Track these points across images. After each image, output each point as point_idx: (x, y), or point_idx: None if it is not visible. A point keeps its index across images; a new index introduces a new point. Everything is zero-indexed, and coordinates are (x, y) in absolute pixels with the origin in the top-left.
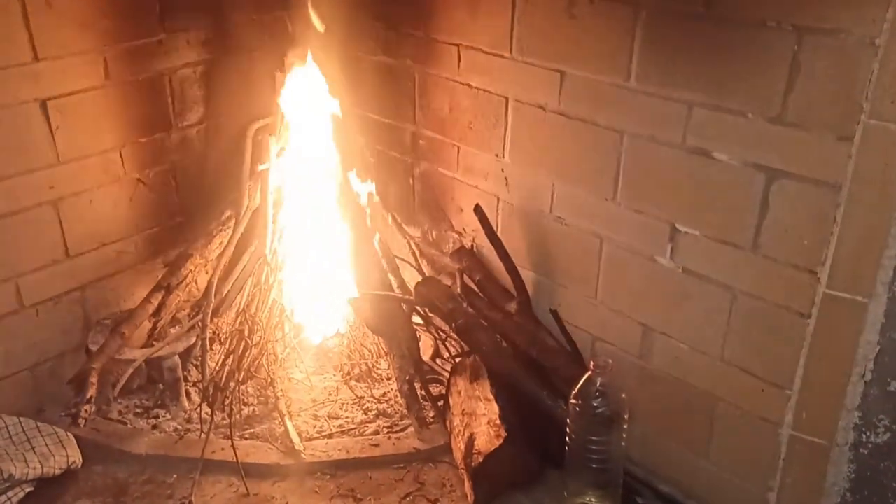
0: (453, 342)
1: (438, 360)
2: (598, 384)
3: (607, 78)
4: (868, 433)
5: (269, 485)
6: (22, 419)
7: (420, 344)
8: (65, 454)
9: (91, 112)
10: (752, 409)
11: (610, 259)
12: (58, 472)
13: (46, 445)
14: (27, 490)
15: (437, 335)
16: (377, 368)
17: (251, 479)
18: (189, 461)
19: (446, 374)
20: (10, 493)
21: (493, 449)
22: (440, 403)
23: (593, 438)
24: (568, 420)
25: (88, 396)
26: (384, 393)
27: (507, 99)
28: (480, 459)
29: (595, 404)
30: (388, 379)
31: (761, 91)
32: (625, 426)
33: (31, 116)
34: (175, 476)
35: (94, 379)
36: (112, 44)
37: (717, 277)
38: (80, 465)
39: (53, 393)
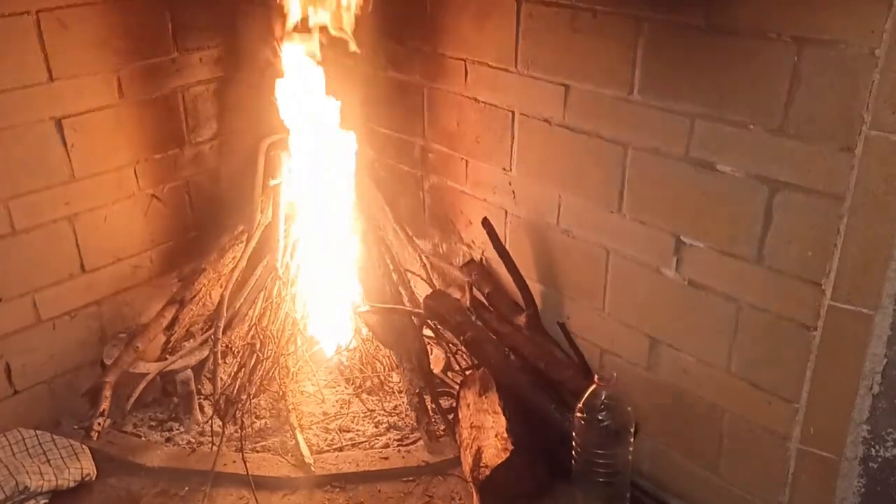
0: (464, 355)
1: (449, 374)
2: (602, 397)
3: (611, 91)
4: (877, 447)
5: (279, 497)
6: (38, 432)
7: (431, 357)
8: (79, 466)
9: (105, 130)
10: (760, 423)
11: (617, 271)
12: (72, 484)
13: (61, 458)
14: (42, 502)
15: (447, 348)
16: (389, 381)
17: (261, 492)
18: (201, 473)
19: (457, 388)
20: None
21: (499, 462)
22: (450, 416)
23: (599, 451)
24: (574, 433)
25: (102, 409)
26: (395, 406)
27: (513, 113)
28: (487, 472)
29: (600, 417)
30: (400, 392)
31: (762, 103)
32: (631, 439)
33: (47, 134)
34: (187, 488)
35: (108, 392)
36: (126, 63)
37: (722, 289)
38: (94, 478)
39: (70, 406)
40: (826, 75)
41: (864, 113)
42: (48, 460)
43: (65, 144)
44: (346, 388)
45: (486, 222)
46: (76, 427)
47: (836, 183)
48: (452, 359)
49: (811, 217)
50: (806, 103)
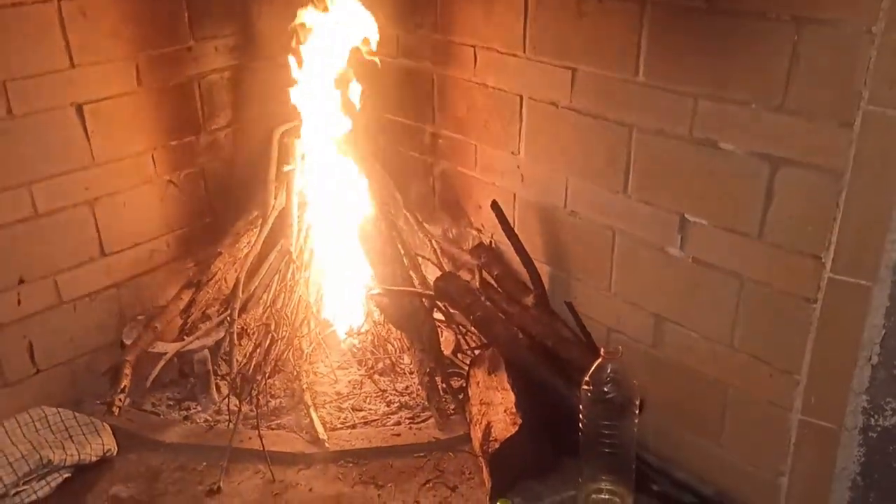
0: (473, 336)
1: (459, 355)
2: (609, 370)
3: (616, 74)
4: (876, 416)
5: (294, 472)
6: (60, 409)
7: (442, 339)
8: (100, 442)
9: (124, 116)
10: (763, 395)
11: (622, 251)
12: (94, 459)
13: (83, 434)
14: (65, 476)
15: (457, 330)
16: (400, 363)
17: (277, 467)
18: (218, 450)
19: (467, 368)
20: (48, 478)
21: (508, 436)
22: (460, 396)
23: (605, 423)
24: (580, 406)
25: (123, 386)
26: (407, 386)
27: (521, 97)
28: (497, 446)
29: (606, 390)
30: (411, 373)
31: (763, 81)
32: (636, 412)
33: (68, 120)
34: (205, 464)
35: (128, 370)
36: (144, 51)
37: (725, 266)
38: (115, 453)
39: (90, 386)
40: (825, 53)
41: (862, 89)
42: (70, 436)
43: (85, 130)
44: (358, 369)
45: (494, 205)
46: (98, 403)
47: (836, 158)
48: (462, 340)
49: (811, 192)
50: (805, 81)
